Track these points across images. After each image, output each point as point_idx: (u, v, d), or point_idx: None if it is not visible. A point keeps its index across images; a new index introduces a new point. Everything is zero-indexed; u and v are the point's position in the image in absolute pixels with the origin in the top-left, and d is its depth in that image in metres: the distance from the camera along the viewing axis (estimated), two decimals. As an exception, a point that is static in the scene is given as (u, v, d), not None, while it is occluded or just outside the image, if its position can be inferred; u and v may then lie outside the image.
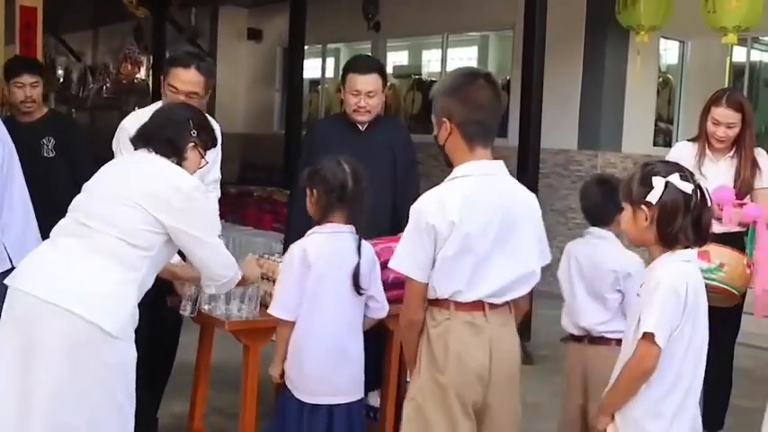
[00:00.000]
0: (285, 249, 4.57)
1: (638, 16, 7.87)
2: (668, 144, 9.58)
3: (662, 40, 9.42)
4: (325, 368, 3.37)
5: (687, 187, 2.66)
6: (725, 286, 4.06)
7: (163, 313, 4.02)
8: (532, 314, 6.49)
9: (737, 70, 9.30)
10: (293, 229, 4.71)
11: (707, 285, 3.99)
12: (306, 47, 10.27)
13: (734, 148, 4.54)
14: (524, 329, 6.50)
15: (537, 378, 5.75)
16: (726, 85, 7.86)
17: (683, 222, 2.66)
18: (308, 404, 3.38)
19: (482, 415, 2.85)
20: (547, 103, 6.81)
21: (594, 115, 8.91)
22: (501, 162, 2.92)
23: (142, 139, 3.18)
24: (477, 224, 2.75)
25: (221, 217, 4.14)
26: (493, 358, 2.81)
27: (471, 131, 2.85)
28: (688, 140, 4.73)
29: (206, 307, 3.72)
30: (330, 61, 13.15)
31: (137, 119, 3.84)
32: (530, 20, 6.59)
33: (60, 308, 2.80)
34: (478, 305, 2.79)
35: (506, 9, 8.91)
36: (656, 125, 9.67)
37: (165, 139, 3.14)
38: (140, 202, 2.95)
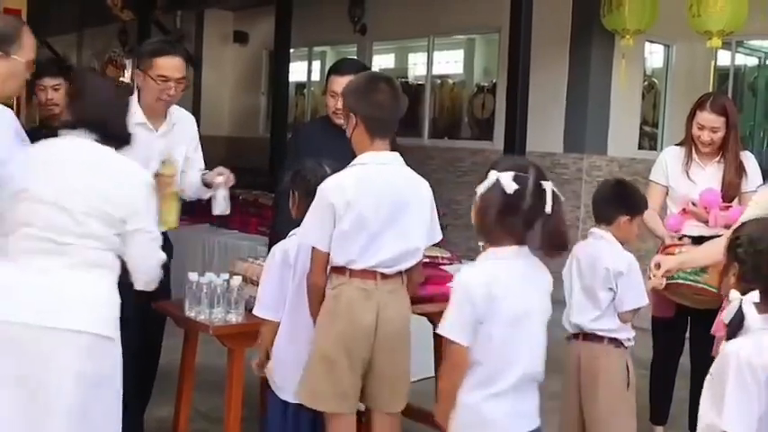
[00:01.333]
0: (270, 249, 4.58)
1: (624, 20, 7.89)
2: (653, 147, 9.62)
3: (647, 44, 9.44)
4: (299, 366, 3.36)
5: (511, 187, 2.65)
6: (709, 288, 4.08)
7: (148, 318, 4.02)
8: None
9: (722, 74, 9.33)
10: (278, 233, 4.70)
11: (691, 287, 4.03)
12: (291, 50, 10.26)
13: (721, 153, 4.55)
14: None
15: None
16: (711, 89, 7.89)
17: (508, 220, 2.68)
18: (293, 404, 3.38)
19: (368, 371, 3.26)
20: (532, 106, 6.81)
21: (580, 119, 8.92)
22: (397, 154, 3.34)
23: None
24: (369, 204, 3.16)
25: (207, 221, 4.14)
26: (379, 320, 3.21)
27: (372, 126, 3.27)
28: (676, 145, 4.74)
29: (191, 313, 3.71)
30: (316, 64, 13.13)
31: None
32: (515, 23, 6.59)
33: (66, 330, 2.80)
34: (371, 274, 3.20)
35: (492, 12, 8.91)
36: (641, 129, 9.68)
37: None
38: (111, 212, 2.92)
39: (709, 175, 4.54)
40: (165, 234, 4.19)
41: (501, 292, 2.69)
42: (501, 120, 7.17)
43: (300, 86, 13.43)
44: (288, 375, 3.36)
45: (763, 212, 3.61)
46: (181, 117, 4.18)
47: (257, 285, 3.77)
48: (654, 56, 10.08)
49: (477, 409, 2.73)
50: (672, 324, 4.61)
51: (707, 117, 4.48)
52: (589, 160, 8.89)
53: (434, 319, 4.26)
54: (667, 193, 4.66)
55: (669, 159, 4.66)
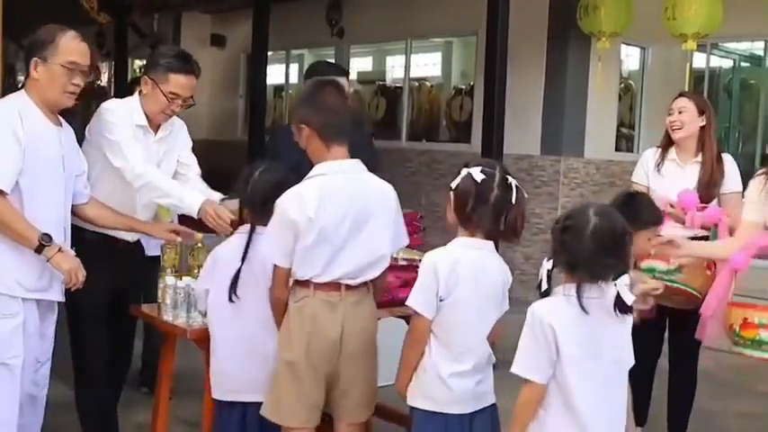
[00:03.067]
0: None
1: (600, 23, 7.94)
2: (630, 149, 9.68)
3: (623, 47, 9.50)
4: (231, 363, 3.44)
5: (479, 177, 2.97)
6: (685, 287, 4.11)
7: (122, 310, 4.02)
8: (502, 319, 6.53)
9: (698, 76, 9.40)
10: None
11: (667, 287, 4.04)
12: (269, 53, 10.24)
13: (699, 152, 4.57)
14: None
15: (499, 382, 5.76)
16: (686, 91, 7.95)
17: (480, 209, 2.98)
18: (223, 401, 3.48)
19: (333, 382, 3.25)
20: (509, 108, 6.84)
21: (557, 121, 8.97)
22: (357, 161, 3.29)
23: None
24: (331, 218, 3.13)
25: (188, 225, 4.14)
26: (345, 332, 3.20)
27: (326, 133, 3.23)
28: (657, 147, 4.76)
29: (169, 317, 3.70)
30: (294, 67, 13.12)
31: (122, 106, 3.95)
32: (492, 26, 6.62)
33: None
34: (336, 286, 3.19)
35: (469, 15, 8.93)
36: (618, 130, 9.73)
37: None
38: None
39: (687, 175, 4.55)
40: (138, 242, 4.18)
41: (464, 274, 2.98)
42: (479, 122, 7.19)
43: (278, 89, 13.42)
44: (214, 370, 3.51)
45: (758, 208, 3.76)
46: (175, 122, 4.18)
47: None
48: (630, 58, 10.15)
49: (438, 383, 3.01)
50: (651, 325, 4.63)
51: (676, 101, 4.60)
52: (566, 162, 8.94)
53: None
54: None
55: (650, 160, 4.70)
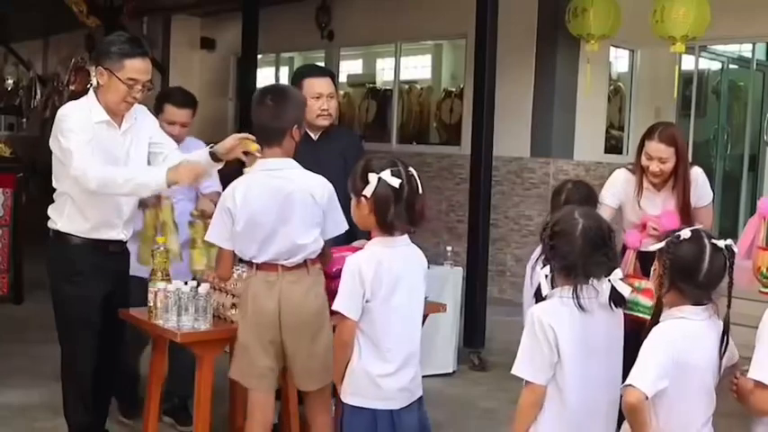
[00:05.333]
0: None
1: (589, 25, 7.96)
2: (619, 151, 9.70)
3: (612, 49, 9.52)
4: None
5: (395, 182, 3.12)
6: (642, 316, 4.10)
7: (111, 316, 4.01)
8: (486, 321, 6.56)
9: (686, 78, 9.44)
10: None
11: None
12: (259, 56, 10.25)
13: (672, 180, 4.49)
14: (478, 336, 6.54)
15: (491, 384, 5.79)
16: (675, 93, 7.99)
17: (396, 210, 3.13)
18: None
19: (284, 350, 3.56)
20: (499, 111, 6.86)
21: (546, 123, 8.99)
22: (289, 159, 3.60)
23: None
24: (259, 206, 3.45)
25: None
26: (282, 307, 3.49)
27: (259, 138, 3.64)
28: (627, 169, 4.63)
29: (159, 321, 3.70)
30: (284, 70, 13.11)
31: (77, 108, 3.87)
32: (481, 29, 6.64)
33: None
34: (273, 266, 3.50)
35: (459, 18, 8.95)
36: (607, 132, 9.76)
37: None
38: None
39: (662, 200, 4.50)
40: (125, 249, 4.15)
41: (388, 274, 3.14)
42: (468, 125, 7.21)
43: (268, 92, 13.40)
44: None
45: None
46: (138, 110, 4.05)
47: (225, 293, 3.78)
48: (619, 60, 10.18)
49: (368, 382, 3.15)
50: (632, 335, 4.59)
51: (656, 147, 4.40)
52: (556, 164, 8.96)
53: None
54: (616, 214, 4.60)
55: (622, 184, 4.58)
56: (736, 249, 2.94)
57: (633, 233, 4.40)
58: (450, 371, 6.15)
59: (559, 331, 2.81)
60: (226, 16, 12.64)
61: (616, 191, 4.58)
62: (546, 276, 2.91)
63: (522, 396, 2.90)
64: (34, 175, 8.95)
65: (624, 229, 4.59)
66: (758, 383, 2.76)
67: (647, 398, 2.70)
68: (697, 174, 4.56)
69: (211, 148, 3.96)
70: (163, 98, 4.83)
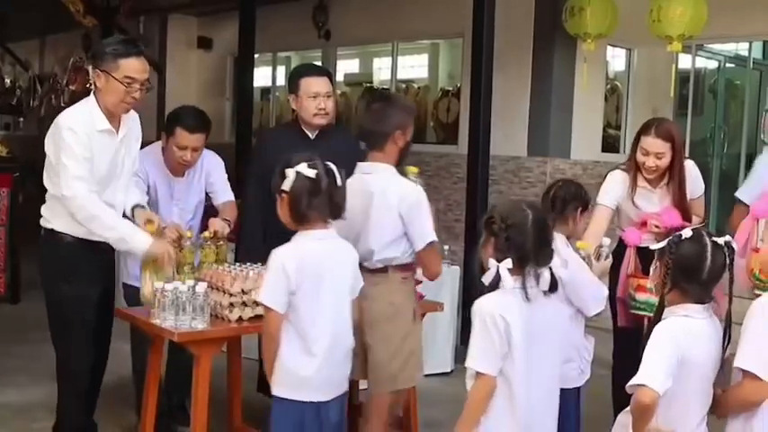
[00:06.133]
0: (237, 257, 4.58)
1: (585, 24, 7.96)
2: (616, 150, 9.70)
3: (609, 48, 9.52)
4: None
5: (311, 172, 3.20)
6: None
7: (103, 314, 4.02)
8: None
9: (683, 77, 9.44)
10: (245, 238, 4.70)
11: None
12: (256, 55, 10.23)
13: (667, 176, 4.47)
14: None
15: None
16: (672, 92, 7.99)
17: (314, 202, 3.20)
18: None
19: (366, 351, 3.72)
20: (496, 110, 6.86)
21: (543, 122, 8.98)
22: (383, 165, 3.75)
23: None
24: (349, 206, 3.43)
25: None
26: (363, 311, 3.61)
27: (364, 140, 3.84)
28: (621, 169, 4.59)
29: (157, 320, 3.70)
30: (281, 69, 13.10)
31: (81, 116, 3.84)
32: (478, 28, 6.65)
33: None
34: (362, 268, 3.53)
35: (456, 17, 8.95)
36: (604, 131, 9.76)
37: None
38: None
39: (657, 198, 4.49)
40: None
41: (312, 267, 3.20)
42: (465, 124, 7.21)
43: (265, 92, 13.40)
44: None
45: None
46: (131, 117, 4.06)
47: (223, 292, 3.78)
48: (616, 59, 10.19)
49: (294, 373, 3.21)
50: (632, 332, 4.59)
51: (652, 142, 4.37)
52: (553, 164, 8.96)
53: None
54: (615, 215, 4.59)
55: (617, 185, 4.53)
56: (734, 246, 2.97)
57: (632, 230, 4.38)
58: (449, 370, 6.17)
59: (510, 321, 2.90)
60: (223, 16, 12.63)
61: (613, 191, 4.52)
62: (508, 269, 2.93)
63: (475, 388, 2.96)
64: (31, 175, 8.93)
65: (622, 229, 4.58)
66: (747, 373, 2.80)
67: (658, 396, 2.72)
68: (690, 167, 4.53)
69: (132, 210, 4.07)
70: (174, 120, 4.62)
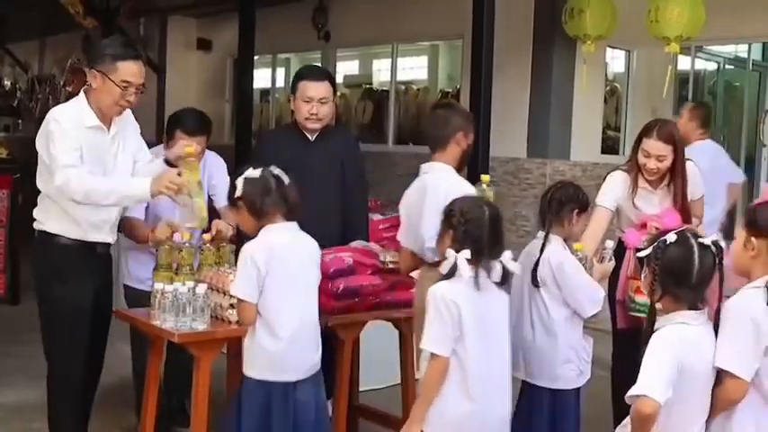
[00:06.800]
0: (236, 258, 4.57)
1: (585, 26, 7.97)
2: (615, 152, 9.71)
3: (608, 50, 9.52)
4: None
5: (256, 173, 3.46)
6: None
7: (97, 316, 4.01)
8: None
9: (682, 79, 9.45)
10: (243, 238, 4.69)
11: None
12: (256, 57, 10.23)
13: (668, 178, 4.44)
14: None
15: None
16: (665, 94, 7.99)
17: (268, 199, 3.43)
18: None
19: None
20: (496, 111, 6.86)
21: (543, 124, 8.99)
22: (441, 164, 3.94)
23: None
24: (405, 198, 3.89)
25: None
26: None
27: (427, 143, 4.06)
28: (622, 169, 4.56)
29: (157, 321, 3.70)
30: (280, 71, 13.12)
31: (68, 112, 3.82)
32: (477, 30, 6.65)
33: None
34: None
35: (455, 19, 8.96)
36: (603, 133, 9.77)
37: None
38: None
39: (659, 199, 4.45)
40: (110, 249, 4.14)
41: (278, 258, 3.39)
42: (465, 125, 7.17)
43: (265, 93, 13.42)
44: None
45: None
46: (124, 113, 4.02)
47: (223, 293, 3.78)
48: (615, 61, 10.19)
49: (262, 355, 3.41)
50: (631, 333, 4.58)
51: (654, 145, 4.34)
52: (552, 165, 8.97)
53: (401, 325, 4.30)
54: (614, 217, 4.57)
55: (618, 186, 4.50)
56: (723, 245, 2.95)
57: (632, 232, 4.37)
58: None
59: (462, 307, 3.12)
60: (222, 17, 12.64)
61: (612, 192, 4.49)
62: (466, 260, 3.15)
63: (429, 368, 3.17)
64: (31, 177, 8.94)
65: (622, 230, 4.57)
66: (727, 373, 2.81)
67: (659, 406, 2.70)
68: (690, 168, 4.51)
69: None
70: (174, 123, 4.62)
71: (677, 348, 2.78)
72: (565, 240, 3.85)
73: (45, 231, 3.93)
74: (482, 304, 3.19)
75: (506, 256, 3.26)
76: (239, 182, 3.48)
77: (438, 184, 3.82)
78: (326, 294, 3.93)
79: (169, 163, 4.12)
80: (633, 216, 4.49)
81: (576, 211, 3.89)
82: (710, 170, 5.48)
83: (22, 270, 7.74)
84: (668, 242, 2.89)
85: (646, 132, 4.41)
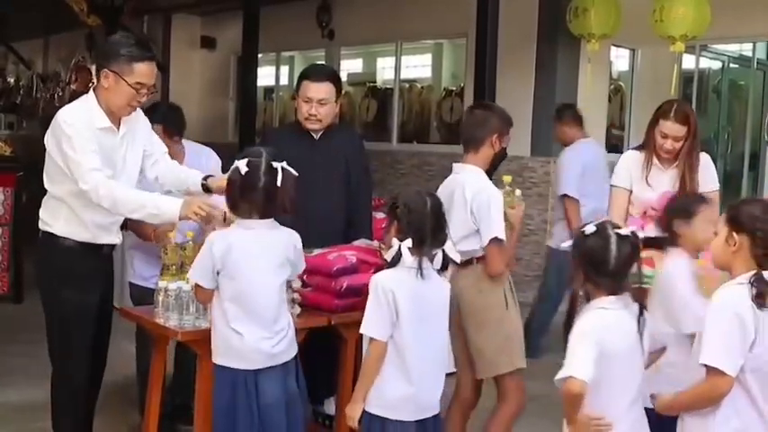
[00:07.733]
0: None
1: (589, 25, 7.96)
2: (620, 150, 9.69)
3: (613, 48, 9.52)
4: None
5: (243, 169, 3.39)
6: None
7: (102, 315, 4.00)
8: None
9: (687, 77, 9.44)
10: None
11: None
12: (259, 55, 10.24)
13: (679, 157, 4.48)
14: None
15: (490, 382, 5.77)
16: (675, 93, 7.98)
17: (249, 195, 3.39)
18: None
19: (467, 343, 4.13)
20: (500, 110, 6.83)
21: (547, 122, 8.93)
22: (470, 167, 4.09)
23: None
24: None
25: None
26: (459, 305, 3.96)
27: (462, 143, 4.18)
28: (635, 149, 4.65)
29: (160, 319, 3.70)
30: (284, 69, 13.12)
31: (80, 113, 3.77)
32: (482, 28, 6.65)
33: None
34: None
35: (459, 17, 8.95)
36: (608, 131, 9.76)
37: None
38: None
39: (670, 178, 4.49)
40: (113, 249, 4.12)
41: (240, 251, 3.39)
42: (469, 124, 7.16)
43: (269, 91, 13.41)
44: None
45: None
46: (133, 113, 3.96)
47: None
48: (619, 60, 10.18)
49: (225, 342, 3.42)
50: None
51: (671, 126, 4.40)
52: (556, 164, 8.94)
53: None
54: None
55: (631, 164, 4.58)
56: (641, 235, 3.12)
57: (635, 220, 4.43)
58: (452, 371, 6.15)
59: (398, 295, 3.27)
60: (226, 15, 12.64)
61: (626, 170, 4.58)
62: (408, 249, 3.29)
63: (368, 351, 3.34)
64: (35, 174, 8.94)
65: (632, 214, 4.58)
66: (711, 369, 2.87)
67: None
68: (704, 158, 4.55)
69: (204, 180, 4.00)
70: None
71: (597, 331, 2.94)
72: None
73: (50, 233, 3.88)
74: (421, 291, 3.32)
75: (449, 245, 3.40)
76: (234, 164, 3.44)
77: (465, 186, 3.98)
78: (330, 293, 3.93)
79: (205, 187, 4.03)
80: (643, 195, 4.50)
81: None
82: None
83: (26, 268, 7.74)
84: (587, 233, 3.06)
85: (662, 114, 4.47)
